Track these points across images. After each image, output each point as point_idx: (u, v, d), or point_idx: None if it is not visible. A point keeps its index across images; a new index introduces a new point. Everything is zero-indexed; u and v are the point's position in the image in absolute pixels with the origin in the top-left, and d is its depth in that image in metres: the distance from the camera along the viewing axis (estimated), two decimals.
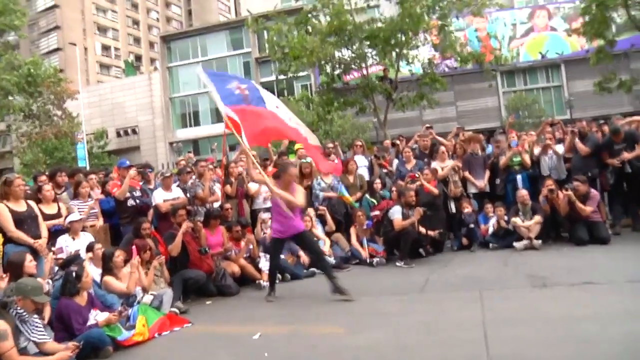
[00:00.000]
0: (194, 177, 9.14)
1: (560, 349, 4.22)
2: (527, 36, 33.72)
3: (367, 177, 10.09)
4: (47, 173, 8.92)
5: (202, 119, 42.91)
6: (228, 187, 9.35)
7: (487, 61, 19.33)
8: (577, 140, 9.37)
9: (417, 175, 9.15)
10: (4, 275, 5.40)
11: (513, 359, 4.15)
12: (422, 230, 8.53)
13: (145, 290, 6.53)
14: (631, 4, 19.43)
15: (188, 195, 8.74)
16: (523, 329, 4.80)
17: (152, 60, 60.61)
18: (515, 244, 8.57)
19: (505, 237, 8.82)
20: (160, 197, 8.46)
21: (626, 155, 8.95)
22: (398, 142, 10.53)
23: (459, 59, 18.51)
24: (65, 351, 4.57)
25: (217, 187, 9.35)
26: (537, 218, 8.60)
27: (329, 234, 9.15)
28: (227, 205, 8.89)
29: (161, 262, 6.99)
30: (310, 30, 17.92)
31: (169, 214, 8.01)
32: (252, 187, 9.50)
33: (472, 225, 9.10)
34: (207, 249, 7.59)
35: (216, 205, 8.90)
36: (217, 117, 34.01)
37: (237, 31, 41.27)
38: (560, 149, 9.64)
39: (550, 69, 34.21)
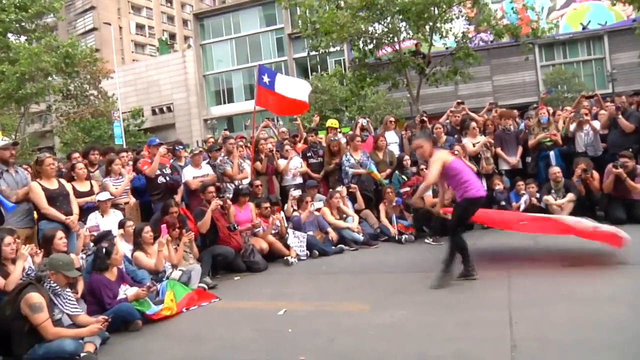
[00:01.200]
0: (222, 154, 9.19)
1: (585, 332, 4.12)
2: (567, 7, 32.55)
3: (397, 154, 9.98)
4: (80, 151, 9.10)
5: (235, 95, 43.10)
6: (258, 163, 9.41)
7: (523, 34, 18.75)
8: (620, 117, 8.99)
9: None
10: (39, 251, 5.54)
11: (537, 341, 4.05)
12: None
13: (174, 266, 6.63)
14: None
15: (217, 172, 8.81)
16: (549, 310, 4.72)
17: (186, 38, 60.85)
18: None
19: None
20: (190, 174, 8.56)
21: None
22: (425, 119, 10.33)
23: (494, 32, 18.03)
24: (96, 324, 4.67)
25: (247, 164, 9.40)
26: (570, 196, 8.37)
27: (358, 211, 9.11)
28: (257, 182, 8.95)
29: (190, 239, 7.06)
30: (342, 5, 17.68)
31: (198, 191, 8.09)
32: (281, 163, 9.52)
33: (503, 203, 8.92)
34: (235, 226, 7.67)
35: (245, 182, 8.95)
36: (251, 93, 34.12)
37: (269, 7, 40.99)
38: (597, 124, 9.31)
39: (592, 41, 33.04)
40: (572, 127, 9.44)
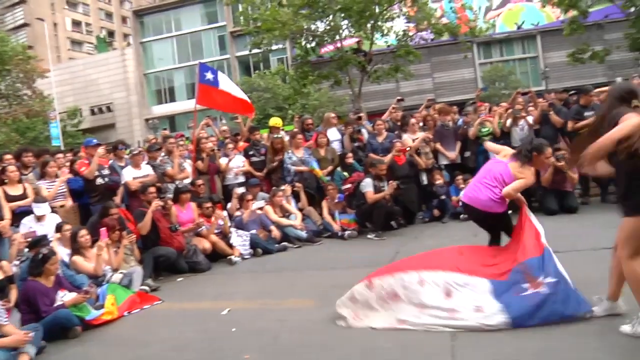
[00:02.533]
0: (163, 154, 9.02)
1: None
2: (503, 7, 33.57)
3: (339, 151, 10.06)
4: (13, 153, 8.75)
5: (177, 94, 42.24)
6: (200, 162, 9.29)
7: (462, 33, 19.27)
8: (551, 113, 9.38)
9: (407, 149, 9.28)
10: None
11: (475, 331, 4.14)
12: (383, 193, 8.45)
13: (115, 270, 6.46)
14: None
15: (157, 172, 8.65)
16: None
17: (125, 36, 59.19)
18: None
19: None
20: (130, 175, 8.37)
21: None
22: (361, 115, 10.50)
23: (434, 30, 18.46)
24: (21, 336, 4.46)
25: (188, 164, 9.27)
26: None
27: (300, 209, 9.14)
28: (199, 181, 8.83)
29: (131, 241, 6.91)
30: (284, 3, 17.68)
31: (138, 192, 7.92)
32: (223, 162, 9.43)
33: (443, 197, 9.15)
34: (177, 226, 7.55)
35: (187, 181, 8.82)
36: (193, 92, 33.68)
37: (211, 4, 40.42)
38: (530, 120, 9.68)
39: (526, 40, 34.17)
40: (508, 122, 9.77)
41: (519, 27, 33.13)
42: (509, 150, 5.31)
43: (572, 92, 10.73)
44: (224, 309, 5.46)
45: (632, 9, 19.94)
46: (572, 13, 20.94)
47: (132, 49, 44.02)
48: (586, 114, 9.09)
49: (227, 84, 9.79)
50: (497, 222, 5.40)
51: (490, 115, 9.88)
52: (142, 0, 48.48)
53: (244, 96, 10.02)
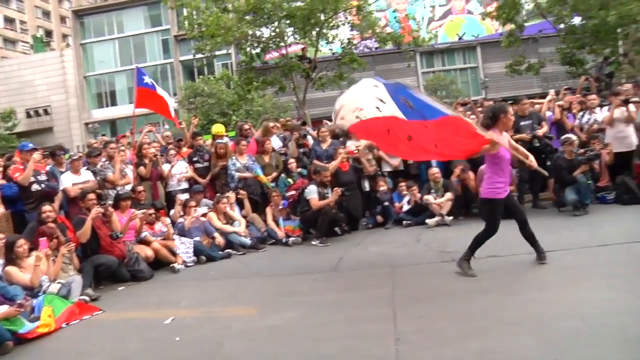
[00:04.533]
0: (103, 159, 8.83)
1: (464, 322, 4.42)
2: (445, 18, 34.60)
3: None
4: None
5: (119, 98, 41.20)
6: (142, 168, 9.14)
7: (405, 42, 19.69)
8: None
9: (355, 152, 9.42)
10: None
11: (420, 334, 4.29)
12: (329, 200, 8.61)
13: (52, 279, 6.25)
14: None
15: (98, 178, 8.45)
16: (431, 304, 5.01)
17: (65, 36, 57.24)
18: (427, 220, 8.89)
19: (419, 214, 9.10)
20: (69, 181, 8.14)
21: (538, 132, 9.41)
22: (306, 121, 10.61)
23: (378, 39, 18.78)
24: None
25: (130, 170, 9.10)
26: (448, 195, 8.93)
27: (244, 215, 9.11)
28: (140, 188, 8.69)
29: (70, 249, 6.70)
30: (229, 8, 17.59)
31: (77, 199, 7.71)
32: (165, 168, 9.31)
33: (386, 203, 9.33)
34: (118, 234, 7.39)
35: (128, 188, 8.64)
36: None
37: (155, 7, 39.69)
38: None
39: (467, 51, 35.31)
40: None
41: (460, 38, 34.21)
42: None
43: (510, 101, 11.16)
44: (167, 317, 5.38)
45: (562, 26, 20.97)
46: (510, 26, 21.77)
47: (71, 50, 42.63)
48: (522, 123, 9.47)
49: (161, 90, 9.77)
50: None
51: None
52: (82, 0, 46.92)
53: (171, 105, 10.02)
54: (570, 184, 8.64)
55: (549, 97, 10.61)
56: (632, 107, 9.41)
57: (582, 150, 8.74)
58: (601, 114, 9.88)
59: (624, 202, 8.78)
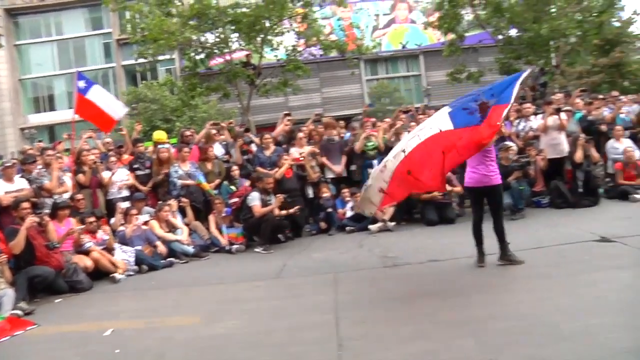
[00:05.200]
0: (40, 166, 8.54)
1: (405, 325, 4.54)
2: (389, 27, 35.19)
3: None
4: None
5: (58, 103, 39.77)
6: (81, 176, 8.90)
7: (350, 50, 19.95)
8: None
9: (301, 159, 9.48)
10: None
11: (362, 339, 4.36)
12: (282, 211, 8.71)
13: None
14: (477, 4, 21.16)
15: (33, 186, 8.16)
16: (373, 309, 5.11)
17: None
18: (370, 226, 9.02)
19: (361, 221, 9.22)
20: (1, 190, 7.81)
21: None
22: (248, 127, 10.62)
23: (322, 46, 18.96)
24: None
25: (68, 177, 8.84)
26: None
27: (187, 223, 9.00)
28: (79, 196, 8.44)
29: (1, 261, 6.44)
30: (173, 12, 17.37)
31: (10, 208, 7.39)
32: (106, 175, 9.10)
33: (330, 210, 9.41)
34: (55, 244, 7.14)
35: (66, 196, 8.39)
36: None
37: (96, 9, 38.44)
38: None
39: (410, 59, 36.03)
40: (392, 137, 10.24)
41: (403, 47, 34.90)
42: None
43: None
44: (107, 329, 5.25)
45: (500, 37, 21.79)
46: (451, 36, 22.42)
47: (4, 52, 40.76)
48: None
49: (99, 97, 9.50)
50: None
51: (375, 130, 10.33)
52: None
53: (113, 112, 9.76)
54: (505, 190, 8.95)
55: None
56: (563, 115, 9.89)
57: (516, 157, 9.10)
58: (536, 122, 10.36)
59: (556, 206, 9.19)
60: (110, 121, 9.96)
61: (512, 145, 9.35)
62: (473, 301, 5.01)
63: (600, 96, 12.71)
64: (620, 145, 10.12)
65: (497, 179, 6.27)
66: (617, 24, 24.62)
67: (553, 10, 20.21)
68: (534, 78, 20.49)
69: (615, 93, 12.95)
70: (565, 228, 7.64)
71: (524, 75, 6.09)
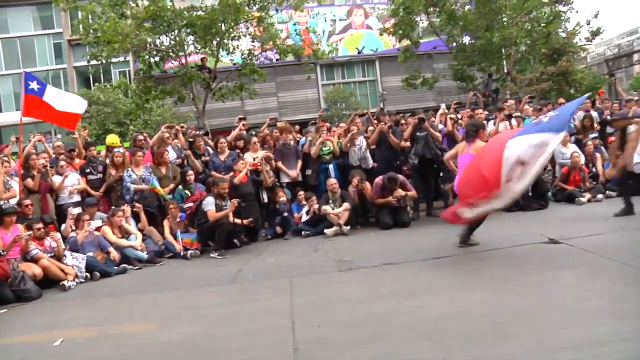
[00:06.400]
0: None
1: (361, 328, 4.56)
2: (345, 32, 35.47)
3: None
4: None
5: (4, 104, 38.38)
6: (29, 180, 8.65)
7: (306, 54, 20.03)
8: (391, 135, 10.07)
9: (259, 164, 9.45)
10: None
11: (318, 343, 4.37)
12: (237, 220, 8.64)
13: None
14: (431, 12, 21.61)
15: None
16: (329, 312, 5.11)
17: None
18: (326, 230, 9.08)
19: (317, 225, 9.27)
20: None
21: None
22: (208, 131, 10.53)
23: (279, 51, 18.97)
24: None
25: (15, 182, 8.57)
26: (346, 205, 9.18)
27: (141, 229, 8.86)
28: (27, 201, 8.18)
29: None
30: (127, 14, 17.06)
31: None
32: (56, 180, 8.86)
33: (286, 214, 9.42)
34: (1, 252, 6.90)
35: (13, 201, 8.13)
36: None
37: (46, 8, 37.19)
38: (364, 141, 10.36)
39: (366, 64, 36.39)
40: (348, 142, 10.32)
41: (359, 52, 35.22)
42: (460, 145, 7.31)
43: (408, 114, 11.70)
44: (56, 339, 5.07)
45: (454, 44, 22.31)
46: (406, 42, 22.80)
47: None
48: (418, 134, 9.91)
49: (54, 97, 9.24)
50: None
51: (330, 134, 10.40)
52: None
53: (73, 108, 9.49)
54: None
55: (440, 111, 11.20)
56: (514, 121, 10.18)
57: None
58: (488, 128, 10.59)
59: (507, 209, 9.41)
60: (74, 117, 9.63)
61: None
62: (427, 303, 5.09)
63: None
64: (567, 151, 10.49)
65: None
66: (563, 35, 25.65)
67: (504, 19, 20.87)
68: (485, 85, 21.07)
69: (562, 100, 13.44)
70: (515, 230, 7.86)
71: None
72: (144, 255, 8.27)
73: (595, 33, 24.80)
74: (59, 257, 7.60)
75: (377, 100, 34.12)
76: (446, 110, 11.18)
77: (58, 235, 7.94)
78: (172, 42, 17.97)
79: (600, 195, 9.95)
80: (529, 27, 21.60)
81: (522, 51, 22.89)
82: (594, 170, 10.74)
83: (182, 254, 8.53)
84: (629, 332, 3.92)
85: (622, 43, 52.77)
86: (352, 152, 10.20)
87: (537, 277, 5.66)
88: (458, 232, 7.23)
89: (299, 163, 10.21)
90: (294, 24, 28.96)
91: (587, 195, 9.87)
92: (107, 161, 9.64)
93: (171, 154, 9.97)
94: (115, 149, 9.65)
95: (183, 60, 17.88)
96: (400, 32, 22.17)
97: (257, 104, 27.85)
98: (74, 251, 7.81)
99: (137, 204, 8.94)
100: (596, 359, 3.57)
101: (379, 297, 5.42)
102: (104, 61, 17.69)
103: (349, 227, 9.13)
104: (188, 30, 17.67)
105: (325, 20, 34.68)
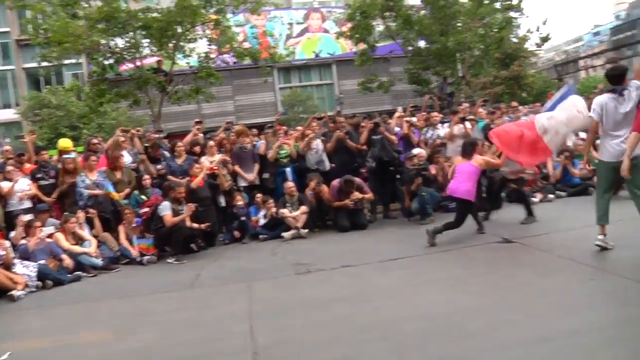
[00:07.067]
0: None
1: (320, 331, 4.60)
2: (302, 36, 35.51)
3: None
4: None
5: None
6: None
7: (263, 58, 19.97)
8: (347, 140, 10.14)
9: (216, 168, 9.35)
10: None
11: (277, 347, 4.38)
12: (194, 224, 8.54)
13: None
14: (387, 16, 21.89)
15: None
16: (287, 316, 5.14)
17: None
18: (283, 234, 9.08)
19: (275, 228, 9.26)
20: None
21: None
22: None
23: (236, 54, 18.85)
24: None
25: None
26: (303, 208, 9.21)
27: (95, 235, 8.65)
28: None
29: None
30: (80, 14, 16.63)
31: None
32: (5, 185, 8.58)
33: (244, 218, 9.37)
34: None
35: None
36: None
37: None
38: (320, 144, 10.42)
39: (323, 68, 36.51)
40: (305, 145, 10.33)
41: (316, 55, 35.34)
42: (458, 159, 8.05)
43: (364, 117, 11.80)
44: (5, 352, 4.86)
45: (410, 48, 22.64)
46: (363, 46, 22.99)
47: None
48: (373, 137, 10.00)
49: None
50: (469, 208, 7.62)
51: (287, 138, 10.40)
52: None
53: None
54: (415, 195, 9.35)
55: (396, 114, 11.35)
56: (468, 124, 10.40)
57: (413, 165, 9.49)
58: (443, 130, 10.86)
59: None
60: None
61: (419, 153, 9.73)
62: (384, 304, 5.17)
63: (502, 105, 13.51)
64: None
65: (470, 196, 7.58)
66: (515, 40, 26.41)
67: (459, 24, 21.31)
68: (440, 88, 21.46)
69: (514, 103, 13.80)
70: (471, 230, 8.03)
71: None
72: (99, 262, 8.08)
73: (545, 39, 25.62)
74: (7, 266, 7.32)
75: (334, 104, 34.26)
76: (402, 113, 11.34)
77: (7, 243, 7.70)
78: (127, 44, 17.60)
79: (551, 195, 10.30)
80: (483, 33, 22.12)
81: (476, 56, 23.44)
82: (544, 171, 11.07)
83: (138, 260, 8.38)
84: (579, 326, 4.11)
85: (569, 49, 54.71)
86: (309, 156, 10.23)
87: (492, 276, 5.84)
88: (414, 234, 7.37)
89: (256, 166, 10.16)
90: (251, 27, 28.80)
91: (539, 196, 10.18)
92: (59, 166, 9.38)
93: (127, 158, 9.78)
94: (66, 155, 9.38)
95: (138, 63, 17.53)
96: (357, 35, 22.33)
97: (214, 107, 27.56)
98: (24, 259, 7.56)
99: (91, 210, 8.74)
100: (549, 352, 3.71)
101: (338, 300, 5.47)
102: (55, 62, 17.20)
103: (306, 230, 9.16)
104: (143, 32, 17.33)
105: (283, 24, 34.65)
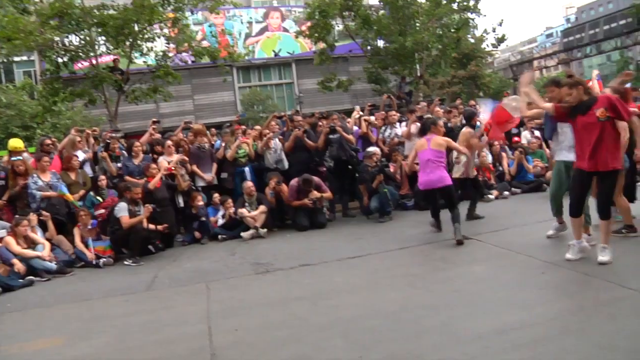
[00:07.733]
0: None
1: (278, 331, 4.60)
2: (262, 35, 35.34)
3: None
4: None
5: None
6: None
7: (222, 57, 19.82)
8: (305, 138, 10.14)
9: (173, 169, 9.22)
10: None
11: (235, 347, 4.37)
12: (151, 225, 8.43)
13: None
14: (346, 16, 22.08)
15: None
16: (246, 316, 5.12)
17: None
18: (242, 233, 9.05)
19: (234, 228, 9.21)
20: None
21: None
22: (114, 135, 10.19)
23: (194, 53, 18.67)
24: None
25: None
26: (262, 208, 9.19)
27: (49, 238, 8.42)
28: None
29: None
30: (31, 10, 16.17)
31: None
32: None
33: (203, 219, 9.27)
34: None
35: None
36: None
37: None
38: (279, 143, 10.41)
39: (283, 67, 36.43)
40: (263, 145, 10.29)
41: (276, 55, 35.25)
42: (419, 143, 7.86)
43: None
44: None
45: (369, 48, 22.84)
46: (322, 45, 23.08)
47: None
48: (331, 136, 10.02)
49: None
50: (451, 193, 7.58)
51: (245, 137, 10.34)
52: None
53: None
54: (374, 194, 9.44)
55: (355, 113, 11.42)
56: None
57: (374, 163, 9.56)
58: (400, 129, 10.99)
59: (420, 207, 9.76)
60: None
61: (377, 151, 9.82)
62: (342, 302, 5.21)
63: (459, 103, 13.74)
64: None
65: (448, 180, 7.53)
66: (472, 40, 26.94)
67: (417, 24, 21.61)
68: (398, 87, 21.70)
69: (472, 102, 14.08)
70: (426, 228, 8.13)
71: None
72: (53, 265, 7.85)
73: (501, 40, 26.24)
74: None
75: (293, 103, 34.27)
76: (360, 113, 11.42)
77: None
78: (82, 42, 17.20)
79: (506, 192, 10.55)
80: (440, 33, 22.52)
81: (434, 55, 23.83)
82: (500, 169, 11.32)
83: (94, 262, 8.18)
84: (531, 319, 4.24)
85: (524, 50, 56.07)
86: (267, 155, 10.19)
87: (448, 273, 5.96)
88: (372, 232, 7.42)
89: (215, 166, 10.07)
90: (210, 26, 28.57)
91: (495, 192, 10.40)
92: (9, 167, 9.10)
93: (81, 158, 9.57)
94: (14, 158, 9.09)
95: (94, 61, 17.15)
96: (316, 35, 22.40)
97: (173, 106, 27.23)
98: None
99: (44, 212, 8.51)
100: (502, 345, 3.81)
101: (296, 299, 5.50)
102: (4, 60, 16.68)
103: (265, 230, 9.15)
104: (99, 29, 16.98)
105: (242, 23, 34.42)
